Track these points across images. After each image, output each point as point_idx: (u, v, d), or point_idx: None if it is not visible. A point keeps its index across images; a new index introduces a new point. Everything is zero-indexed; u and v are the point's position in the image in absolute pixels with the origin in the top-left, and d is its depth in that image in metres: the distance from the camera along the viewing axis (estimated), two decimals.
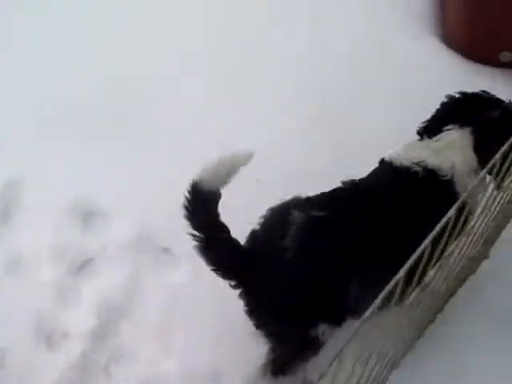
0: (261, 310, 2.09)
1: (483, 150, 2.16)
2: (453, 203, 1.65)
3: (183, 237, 2.71)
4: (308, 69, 3.42)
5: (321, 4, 3.72)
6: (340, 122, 3.15)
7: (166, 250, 2.73)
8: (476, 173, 2.15)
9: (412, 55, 3.44)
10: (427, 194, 2.09)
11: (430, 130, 2.31)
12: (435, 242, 1.37)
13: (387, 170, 2.20)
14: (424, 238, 1.49)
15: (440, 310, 2.44)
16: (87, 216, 2.83)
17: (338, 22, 3.63)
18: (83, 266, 2.69)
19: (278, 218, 2.07)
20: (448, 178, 2.12)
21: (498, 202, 1.98)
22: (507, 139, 1.63)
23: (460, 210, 1.40)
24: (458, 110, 2.28)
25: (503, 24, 3.19)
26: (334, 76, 3.35)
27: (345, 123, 3.14)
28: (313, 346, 2.14)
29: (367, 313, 1.26)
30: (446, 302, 2.45)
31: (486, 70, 3.33)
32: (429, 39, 3.53)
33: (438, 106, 2.35)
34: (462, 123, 2.22)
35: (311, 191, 2.17)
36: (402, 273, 1.30)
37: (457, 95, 2.32)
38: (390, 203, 2.05)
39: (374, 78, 3.31)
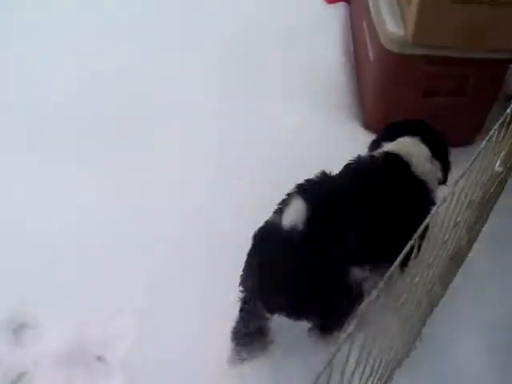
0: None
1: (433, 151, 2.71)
2: (411, 182, 2.59)
3: (116, 344, 2.75)
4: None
5: None
6: None
7: (100, 358, 2.72)
8: (431, 162, 2.68)
9: (333, 137, 3.56)
10: (388, 172, 2.59)
11: (376, 145, 2.84)
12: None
13: (358, 161, 2.65)
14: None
15: None
16: (19, 329, 2.80)
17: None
18: (16, 381, 2.65)
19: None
20: (406, 160, 2.62)
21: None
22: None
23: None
24: (402, 129, 2.82)
25: (417, 106, 3.32)
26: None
27: None
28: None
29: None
30: None
31: None
32: (350, 124, 3.66)
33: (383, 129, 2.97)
34: (411, 134, 2.74)
35: None
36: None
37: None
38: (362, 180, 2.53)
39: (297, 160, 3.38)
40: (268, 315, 2.44)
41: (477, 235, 2.71)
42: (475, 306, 2.83)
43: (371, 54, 3.48)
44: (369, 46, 3.53)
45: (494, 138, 1.79)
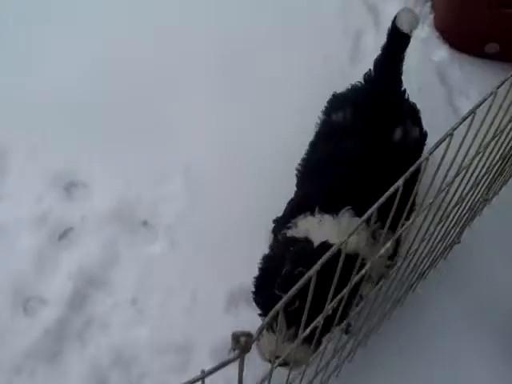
0: None
1: None
2: None
3: (162, 210, 2.83)
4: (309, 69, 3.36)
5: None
6: None
7: (145, 223, 2.80)
8: None
9: None
10: None
11: None
12: None
13: None
14: None
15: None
16: (69, 186, 2.89)
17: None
18: (63, 235, 2.75)
19: None
20: None
21: None
22: None
23: None
24: None
25: (490, 16, 3.20)
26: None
27: None
28: None
29: None
30: None
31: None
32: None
33: None
34: None
35: None
36: None
37: None
38: None
39: None
40: None
41: None
42: None
43: None
44: None
45: None
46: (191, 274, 2.62)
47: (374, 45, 3.30)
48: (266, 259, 2.05)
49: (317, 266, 1.14)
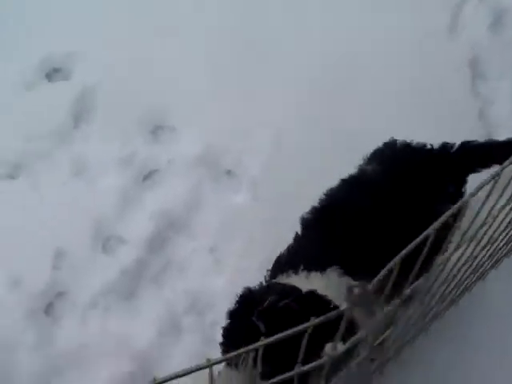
0: None
1: None
2: None
3: (247, 162, 2.78)
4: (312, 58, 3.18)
5: None
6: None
7: (229, 172, 2.77)
8: None
9: None
10: None
11: None
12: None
13: None
14: None
15: None
16: (157, 129, 2.89)
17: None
18: (148, 177, 2.76)
19: None
20: None
21: None
22: None
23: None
24: None
25: None
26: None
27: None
28: None
29: None
30: None
31: None
32: None
33: None
34: None
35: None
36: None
37: None
38: None
39: None
40: None
41: None
42: None
43: None
44: None
45: None
46: (272, 228, 2.56)
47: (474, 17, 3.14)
48: (245, 297, 1.75)
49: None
